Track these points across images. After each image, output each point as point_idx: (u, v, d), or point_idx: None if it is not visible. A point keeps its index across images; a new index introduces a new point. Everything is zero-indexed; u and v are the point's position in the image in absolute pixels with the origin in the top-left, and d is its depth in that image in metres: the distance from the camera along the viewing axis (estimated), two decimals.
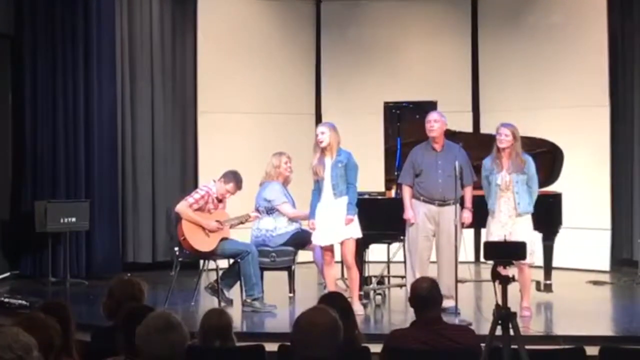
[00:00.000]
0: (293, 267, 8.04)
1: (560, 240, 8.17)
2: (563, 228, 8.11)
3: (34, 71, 9.52)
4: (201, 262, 8.24)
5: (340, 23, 11.20)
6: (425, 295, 4.39)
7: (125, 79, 10.18)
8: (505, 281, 4.49)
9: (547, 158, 8.10)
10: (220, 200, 7.80)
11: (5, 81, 9.67)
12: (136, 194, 10.23)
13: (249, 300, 7.49)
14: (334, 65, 11.18)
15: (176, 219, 7.70)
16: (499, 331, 4.41)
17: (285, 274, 8.07)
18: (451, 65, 10.99)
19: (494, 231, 7.07)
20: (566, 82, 10.13)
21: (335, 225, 7.22)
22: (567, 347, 5.01)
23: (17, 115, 9.62)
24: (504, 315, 4.42)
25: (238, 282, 7.70)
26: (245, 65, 10.74)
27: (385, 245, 8.41)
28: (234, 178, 7.80)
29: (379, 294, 8.08)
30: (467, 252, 7.85)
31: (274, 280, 8.11)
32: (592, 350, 4.54)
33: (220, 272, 7.74)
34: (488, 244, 4.99)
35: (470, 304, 7.64)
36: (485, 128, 10.08)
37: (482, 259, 7.38)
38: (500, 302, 4.45)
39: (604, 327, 7.09)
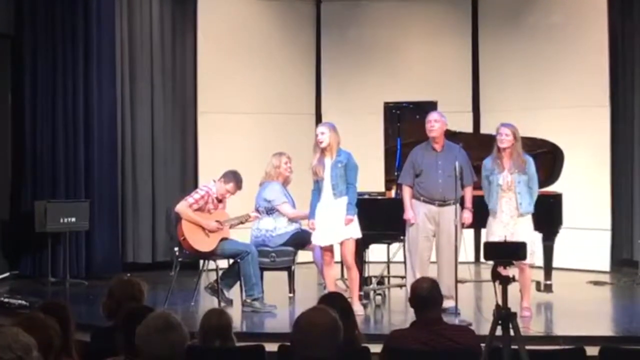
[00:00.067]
0: (293, 267, 8.04)
1: (561, 241, 8.16)
2: (563, 228, 8.10)
3: (34, 71, 9.52)
4: (201, 262, 8.24)
5: (341, 23, 11.20)
6: (426, 296, 4.38)
7: (125, 79, 10.17)
8: (505, 281, 4.49)
9: (547, 158, 8.09)
10: (220, 201, 7.80)
11: (5, 81, 9.67)
12: (136, 194, 10.23)
13: (248, 301, 7.49)
14: (334, 65, 11.18)
15: (176, 219, 7.70)
16: (499, 331, 4.42)
17: (285, 274, 8.07)
18: (451, 65, 10.99)
19: (496, 231, 7.06)
20: (566, 82, 10.13)
21: (335, 225, 7.22)
22: (567, 347, 5.02)
23: (17, 115, 9.62)
24: (504, 315, 4.42)
25: (238, 282, 7.69)
26: (246, 66, 10.74)
27: (385, 246, 8.41)
28: (234, 178, 7.80)
29: (379, 294, 8.08)
30: (467, 252, 7.84)
31: (274, 281, 8.11)
32: (592, 351, 4.53)
33: (220, 272, 7.74)
34: (488, 244, 4.99)
35: (471, 304, 7.64)
36: (486, 128, 10.07)
37: (482, 259, 7.37)
38: (500, 303, 4.45)
39: (604, 327, 7.09)
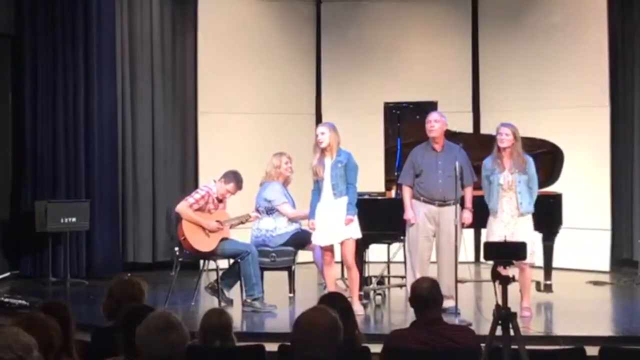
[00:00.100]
0: (293, 267, 8.04)
1: (561, 241, 8.17)
2: (563, 228, 8.11)
3: (34, 71, 9.52)
4: (201, 262, 8.24)
5: (341, 23, 11.20)
6: (426, 296, 4.38)
7: (126, 79, 10.17)
8: (505, 281, 4.49)
9: (547, 158, 8.10)
10: (220, 200, 7.80)
11: (5, 81, 9.68)
12: (136, 194, 10.23)
13: (249, 300, 7.49)
14: (334, 65, 11.18)
15: (176, 219, 7.70)
16: (499, 331, 4.42)
17: (285, 274, 8.07)
18: (451, 65, 10.99)
19: (496, 231, 7.05)
20: (566, 83, 10.12)
21: (335, 225, 7.22)
22: (567, 347, 5.02)
23: (17, 115, 9.62)
24: (504, 315, 4.42)
25: (238, 282, 7.70)
26: (246, 66, 10.74)
27: (385, 246, 8.41)
28: (234, 178, 7.80)
29: (379, 294, 8.08)
30: (467, 252, 7.85)
31: (274, 281, 8.11)
32: (592, 351, 4.54)
33: (221, 272, 7.74)
34: (488, 244, 4.99)
35: (470, 304, 7.64)
36: (486, 128, 10.07)
37: (482, 259, 7.38)
38: (500, 303, 4.45)
39: (604, 327, 7.09)
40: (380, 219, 7.69)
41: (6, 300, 7.79)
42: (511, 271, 4.73)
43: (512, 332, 4.41)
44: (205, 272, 8.28)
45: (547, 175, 8.04)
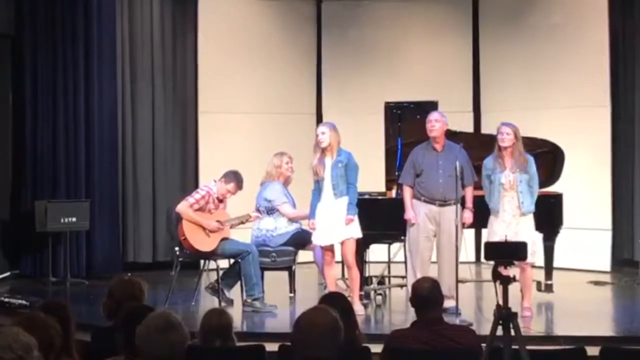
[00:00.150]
0: (293, 267, 8.03)
1: (561, 241, 8.16)
2: (564, 228, 8.10)
3: (34, 71, 9.52)
4: (201, 262, 8.24)
5: (341, 23, 11.20)
6: (427, 295, 4.38)
7: (126, 78, 10.17)
8: (506, 281, 4.49)
9: (548, 158, 8.09)
10: (220, 200, 7.80)
11: (5, 81, 9.67)
12: (136, 193, 10.23)
13: (249, 300, 7.49)
14: (334, 65, 11.17)
15: (177, 219, 7.70)
16: (499, 331, 4.41)
17: (285, 274, 8.07)
18: (452, 65, 10.99)
19: (498, 231, 7.03)
20: (567, 82, 10.12)
21: (336, 225, 7.21)
22: (567, 347, 5.02)
23: (17, 115, 9.62)
24: (504, 315, 4.41)
25: (238, 282, 7.70)
26: (246, 65, 10.74)
27: (385, 246, 8.41)
28: (234, 178, 7.80)
29: (380, 294, 8.08)
30: (467, 252, 7.85)
31: (275, 280, 8.10)
32: (592, 351, 4.53)
33: (221, 272, 7.74)
34: (489, 244, 4.98)
35: (471, 304, 7.63)
36: (486, 128, 10.06)
37: (482, 259, 7.37)
38: (501, 303, 4.45)
39: (604, 327, 7.09)
40: (381, 218, 7.69)
41: (6, 300, 7.79)
42: (512, 271, 4.72)
43: (512, 332, 4.41)
44: (205, 272, 8.28)
45: (548, 175, 8.03)
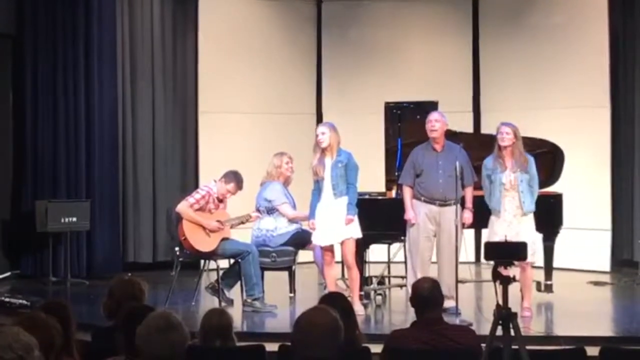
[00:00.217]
0: (293, 267, 8.04)
1: (561, 241, 8.16)
2: (564, 229, 8.10)
3: (34, 71, 9.52)
4: (202, 262, 8.24)
5: (341, 23, 11.20)
6: (427, 296, 4.38)
7: (126, 78, 10.17)
8: (505, 281, 4.49)
9: (547, 158, 8.09)
10: (221, 200, 7.80)
11: (6, 81, 9.68)
12: (137, 193, 10.23)
13: (249, 300, 7.49)
14: (334, 65, 11.18)
15: (177, 219, 7.70)
16: (499, 331, 4.41)
17: (285, 274, 8.07)
18: (452, 65, 10.99)
19: (498, 231, 7.02)
20: (567, 83, 10.12)
21: (336, 225, 7.22)
22: (567, 347, 5.02)
23: (18, 115, 9.62)
24: (504, 315, 4.42)
25: (238, 282, 7.70)
26: (246, 65, 10.74)
27: (385, 246, 8.41)
28: (234, 178, 7.80)
29: (380, 294, 8.08)
30: (467, 252, 7.85)
31: (275, 280, 8.11)
32: (592, 351, 4.53)
33: (221, 272, 7.74)
34: (489, 244, 4.97)
35: (471, 304, 7.63)
36: (486, 128, 10.06)
37: (482, 259, 7.37)
38: (500, 303, 4.45)
39: (604, 327, 7.09)
40: (381, 219, 7.69)
41: (7, 300, 7.79)
42: (512, 271, 4.72)
43: (512, 332, 4.41)
44: (205, 272, 8.28)
45: (548, 176, 8.03)
